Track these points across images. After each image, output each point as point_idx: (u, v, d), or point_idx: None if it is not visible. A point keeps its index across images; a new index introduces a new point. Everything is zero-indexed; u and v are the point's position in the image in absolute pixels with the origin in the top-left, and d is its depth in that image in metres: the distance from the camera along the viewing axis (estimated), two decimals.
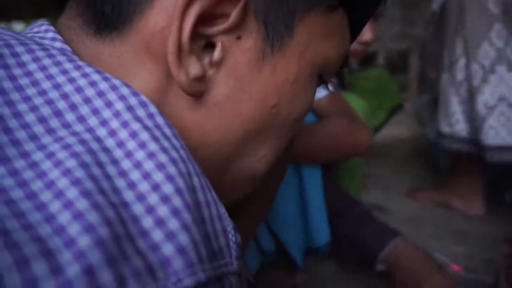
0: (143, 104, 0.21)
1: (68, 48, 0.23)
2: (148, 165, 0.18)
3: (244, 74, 0.24)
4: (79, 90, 0.21)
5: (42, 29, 0.24)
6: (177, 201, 0.18)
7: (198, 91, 0.23)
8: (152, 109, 0.21)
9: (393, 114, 1.12)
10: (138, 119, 0.20)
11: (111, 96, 0.21)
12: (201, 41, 0.23)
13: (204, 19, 0.22)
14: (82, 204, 0.16)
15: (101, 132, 0.19)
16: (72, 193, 0.16)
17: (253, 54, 0.24)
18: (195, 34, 0.22)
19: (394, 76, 1.23)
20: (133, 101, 0.21)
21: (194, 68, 0.23)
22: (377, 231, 0.71)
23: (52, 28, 0.24)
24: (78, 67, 0.21)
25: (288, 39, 0.25)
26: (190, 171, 0.20)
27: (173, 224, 0.17)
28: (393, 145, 1.47)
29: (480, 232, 0.94)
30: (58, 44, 0.23)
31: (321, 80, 0.29)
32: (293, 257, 0.68)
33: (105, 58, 0.24)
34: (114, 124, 0.20)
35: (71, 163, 0.17)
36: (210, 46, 0.23)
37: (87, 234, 0.15)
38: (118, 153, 0.19)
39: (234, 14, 0.22)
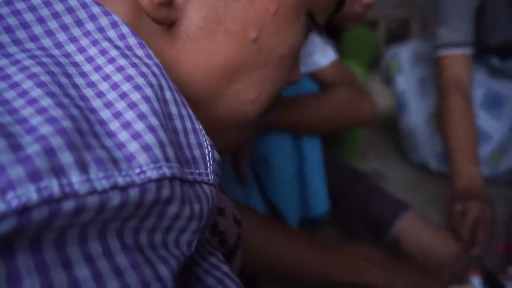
0: (114, 25, 0.21)
1: None
2: (117, 77, 0.19)
3: (217, 2, 0.23)
4: (47, 4, 0.20)
5: None
6: (143, 107, 0.18)
7: (165, 18, 0.23)
8: (124, 29, 0.21)
9: (373, 67, 1.13)
10: (108, 39, 0.20)
11: (81, 14, 0.21)
12: None
13: None
14: (46, 102, 0.16)
15: (70, 48, 0.20)
16: (36, 92, 0.16)
17: None
18: None
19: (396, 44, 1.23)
20: (103, 21, 0.21)
21: None
22: (387, 203, 0.72)
23: None
24: None
25: None
26: (161, 83, 0.20)
27: (139, 126, 0.18)
28: (387, 114, 1.48)
29: None
30: None
31: (312, 21, 0.27)
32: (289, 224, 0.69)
33: None
34: (84, 42, 0.20)
35: (37, 69, 0.17)
36: None
37: (49, 124, 0.15)
38: (87, 67, 0.19)
39: None
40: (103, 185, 0.15)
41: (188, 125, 0.21)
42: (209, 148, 0.22)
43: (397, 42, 1.39)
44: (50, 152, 0.15)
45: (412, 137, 1.10)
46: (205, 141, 0.22)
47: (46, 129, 0.15)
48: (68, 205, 0.14)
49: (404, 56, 1.11)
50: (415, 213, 0.71)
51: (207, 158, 0.21)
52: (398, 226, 0.69)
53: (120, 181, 0.16)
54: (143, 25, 0.23)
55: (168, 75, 0.23)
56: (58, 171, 0.15)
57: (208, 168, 0.21)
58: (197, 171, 0.20)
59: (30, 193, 0.14)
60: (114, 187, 0.16)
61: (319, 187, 0.71)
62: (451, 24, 0.89)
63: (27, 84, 0.17)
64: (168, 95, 0.20)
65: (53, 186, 0.14)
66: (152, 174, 0.17)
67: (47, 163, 0.14)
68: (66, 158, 0.15)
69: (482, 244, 0.67)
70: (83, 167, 0.15)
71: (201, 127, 0.22)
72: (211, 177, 0.21)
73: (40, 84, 0.17)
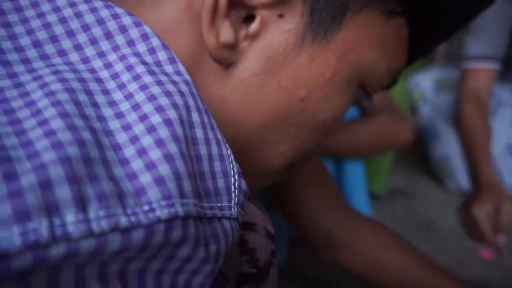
0: (144, 37, 0.20)
1: None
2: (140, 97, 0.18)
3: (277, 56, 0.23)
4: (78, 15, 0.20)
5: None
6: (163, 132, 0.17)
7: (226, 59, 0.22)
8: (155, 42, 0.20)
9: None
10: (137, 54, 0.19)
11: (111, 25, 0.20)
12: (242, 11, 0.22)
13: None
14: (56, 123, 0.15)
15: (97, 63, 0.19)
16: (50, 112, 0.15)
17: (292, 37, 0.23)
18: (235, 1, 0.22)
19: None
20: (134, 33, 0.20)
21: (226, 33, 0.22)
22: None
23: None
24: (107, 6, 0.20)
25: (333, 33, 0.23)
26: (188, 104, 0.19)
27: (155, 154, 0.16)
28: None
29: None
30: None
31: (363, 91, 0.27)
32: None
33: (147, 13, 0.23)
34: (111, 57, 0.19)
35: (56, 86, 0.17)
36: (250, 19, 0.23)
37: (53, 150, 0.14)
38: (111, 84, 0.18)
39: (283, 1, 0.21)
40: (102, 226, 0.14)
41: (215, 150, 0.19)
42: (236, 177, 0.20)
43: (421, 63, 1.41)
44: (46, 185, 0.13)
45: (447, 164, 1.11)
46: (232, 168, 0.20)
47: (48, 156, 0.14)
48: (57, 250, 0.13)
49: (426, 85, 1.13)
50: None
51: (232, 188, 0.20)
52: None
53: (123, 221, 0.15)
54: (202, 58, 0.23)
55: (211, 110, 0.23)
56: (51, 209, 0.13)
57: (232, 200, 0.20)
58: (219, 204, 0.19)
59: (13, 237, 0.12)
60: (115, 228, 0.14)
61: (363, 210, 0.72)
62: (480, 37, 0.91)
63: (43, 103, 0.16)
64: (195, 116, 0.19)
65: (42, 228, 0.13)
66: (162, 213, 0.15)
67: (40, 199, 0.13)
68: (63, 193, 0.14)
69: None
70: (81, 204, 0.14)
71: (229, 151, 0.20)
72: (234, 210, 0.20)
73: (56, 103, 0.16)
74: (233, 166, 0.20)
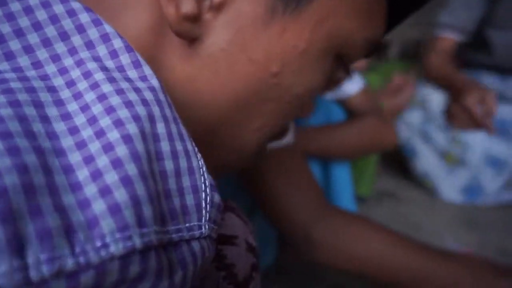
0: (105, 38, 0.18)
1: None
2: (97, 108, 0.16)
3: (246, 28, 0.21)
4: (28, 11, 0.17)
5: None
6: (121, 150, 0.15)
7: (189, 33, 0.21)
8: (117, 44, 0.18)
9: None
10: (97, 58, 0.17)
11: (67, 24, 0.18)
12: None
13: None
14: None
15: (50, 68, 0.17)
16: None
17: (261, 8, 0.21)
18: None
19: (409, 64, 1.28)
20: (93, 33, 0.18)
21: (186, 3, 0.20)
22: None
23: None
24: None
25: (306, 2, 0.21)
26: (153, 113, 0.17)
27: (111, 177, 0.14)
28: None
29: (493, 220, 0.99)
30: None
31: (340, 62, 0.25)
32: None
33: None
34: (67, 61, 0.17)
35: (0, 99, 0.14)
36: None
37: None
38: (66, 94, 0.16)
39: None
40: (43, 272, 0.12)
41: (183, 164, 0.18)
42: (207, 191, 0.18)
43: (411, 61, 1.43)
44: None
45: (429, 179, 1.14)
46: (204, 181, 0.18)
47: None
48: None
49: None
50: None
51: (203, 204, 0.18)
52: None
53: (69, 264, 0.13)
54: (165, 34, 0.21)
55: (178, 92, 0.22)
56: None
57: (203, 217, 0.18)
58: (187, 225, 0.17)
59: None
60: (59, 273, 0.12)
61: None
62: (452, 8, 1.08)
63: None
64: (160, 128, 0.17)
65: None
66: (116, 248, 0.14)
67: None
68: None
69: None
70: (17, 247, 0.12)
71: (201, 163, 0.19)
72: (205, 229, 0.18)
73: None
74: (204, 179, 0.18)
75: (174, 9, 0.20)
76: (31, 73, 0.16)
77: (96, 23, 0.18)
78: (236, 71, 0.22)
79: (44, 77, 0.16)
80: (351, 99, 0.74)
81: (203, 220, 0.18)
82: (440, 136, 1.10)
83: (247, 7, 0.21)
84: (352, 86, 0.74)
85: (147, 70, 0.18)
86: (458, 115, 0.95)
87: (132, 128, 0.16)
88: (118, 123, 0.15)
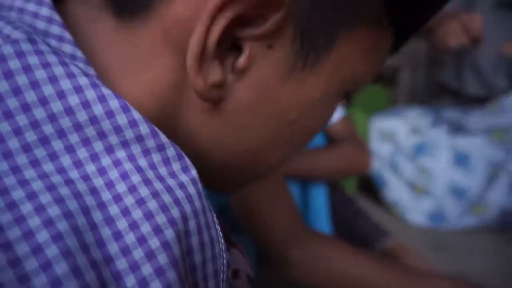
0: (139, 138, 0.18)
1: (79, 54, 0.19)
2: (137, 214, 0.17)
3: (267, 87, 0.21)
4: (69, 112, 0.17)
5: (43, 13, 0.19)
6: (162, 258, 0.16)
7: (214, 97, 0.21)
8: (150, 143, 0.19)
9: None
10: (131, 157, 0.18)
11: (105, 125, 0.18)
12: (227, 42, 0.20)
13: (237, 19, 0.19)
14: (61, 268, 0.14)
15: (90, 168, 0.17)
16: (51, 251, 0.14)
17: (282, 68, 0.21)
18: (223, 36, 0.19)
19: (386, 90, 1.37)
20: (129, 133, 0.18)
21: (214, 74, 0.20)
22: (371, 225, 0.92)
23: (56, 17, 0.19)
24: (93, 85, 0.18)
25: (324, 56, 0.21)
26: (185, 212, 0.18)
27: (156, 285, 0.16)
28: None
29: (456, 243, 1.06)
30: (68, 48, 0.19)
31: (345, 93, 0.26)
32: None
33: (121, 45, 0.20)
34: (105, 161, 0.18)
35: (54, 211, 0.15)
36: (235, 46, 0.20)
37: None
38: (107, 195, 0.17)
39: (272, 21, 0.19)
40: None
41: (208, 253, 0.19)
42: (224, 269, 0.20)
43: (385, 86, 1.54)
44: None
45: (397, 208, 1.24)
46: (222, 263, 0.20)
47: None
48: None
49: (372, 135, 1.27)
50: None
51: (221, 268, 0.20)
52: (387, 243, 0.87)
53: None
54: (186, 93, 0.21)
55: (200, 143, 0.22)
56: None
57: (220, 282, 0.20)
58: None
59: None
60: None
61: (323, 229, 0.79)
62: None
63: (43, 236, 0.15)
64: (191, 224, 0.18)
65: None
66: None
67: None
68: None
69: None
70: None
71: (221, 245, 0.20)
72: None
73: (57, 238, 0.15)
74: (223, 261, 0.20)
75: (203, 81, 0.20)
76: (73, 174, 0.17)
77: (124, 108, 0.18)
78: (257, 124, 0.23)
79: (86, 178, 0.17)
80: (332, 126, 0.82)
81: (221, 285, 0.20)
82: (408, 167, 1.20)
83: (269, 69, 0.21)
84: (334, 114, 0.82)
85: (175, 165, 0.19)
86: (443, 35, 1.03)
87: (169, 234, 0.17)
88: (157, 230, 0.17)
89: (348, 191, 1.03)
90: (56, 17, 0.19)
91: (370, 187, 1.37)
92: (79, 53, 0.19)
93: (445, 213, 1.16)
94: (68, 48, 0.19)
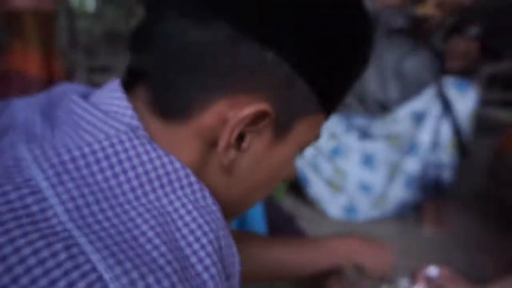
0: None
1: (146, 134, 0.30)
2: (202, 253, 0.26)
3: (260, 156, 0.33)
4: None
5: (122, 104, 0.30)
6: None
7: (228, 165, 0.32)
8: (196, 187, 0.29)
9: None
10: (198, 208, 0.28)
11: (165, 178, 0.28)
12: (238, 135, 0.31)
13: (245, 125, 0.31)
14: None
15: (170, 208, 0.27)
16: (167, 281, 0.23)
17: (267, 143, 0.33)
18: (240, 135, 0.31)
19: None
20: (181, 175, 0.29)
21: (232, 155, 0.32)
22: None
23: (130, 109, 0.30)
24: (165, 154, 0.29)
25: (288, 132, 0.33)
26: (219, 236, 0.28)
27: None
28: None
29: (366, 232, 1.26)
30: (141, 132, 0.29)
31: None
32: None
33: (165, 135, 0.31)
34: (177, 204, 0.28)
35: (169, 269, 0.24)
36: (240, 135, 0.32)
37: None
38: (185, 232, 0.27)
39: (262, 125, 0.31)
40: None
41: (230, 259, 0.29)
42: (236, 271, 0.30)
43: None
44: None
45: (319, 204, 1.43)
46: (236, 267, 0.30)
47: None
48: None
49: None
50: None
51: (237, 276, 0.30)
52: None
53: None
54: (209, 163, 0.32)
55: (218, 194, 0.32)
56: None
57: None
58: None
59: None
60: None
61: (259, 230, 0.85)
62: None
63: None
64: (222, 243, 0.28)
65: None
66: None
67: None
68: None
69: None
70: None
71: (237, 257, 0.30)
72: None
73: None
74: (238, 265, 0.30)
75: (227, 159, 0.32)
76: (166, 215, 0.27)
77: (183, 167, 0.30)
78: (254, 178, 0.34)
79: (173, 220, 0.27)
80: None
81: None
82: (326, 168, 1.39)
83: (260, 145, 0.33)
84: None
85: (209, 200, 0.30)
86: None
87: (213, 256, 0.27)
88: (212, 264, 0.27)
89: (278, 196, 1.12)
90: (139, 122, 0.31)
91: (296, 187, 1.54)
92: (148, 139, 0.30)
93: (356, 207, 1.37)
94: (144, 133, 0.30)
